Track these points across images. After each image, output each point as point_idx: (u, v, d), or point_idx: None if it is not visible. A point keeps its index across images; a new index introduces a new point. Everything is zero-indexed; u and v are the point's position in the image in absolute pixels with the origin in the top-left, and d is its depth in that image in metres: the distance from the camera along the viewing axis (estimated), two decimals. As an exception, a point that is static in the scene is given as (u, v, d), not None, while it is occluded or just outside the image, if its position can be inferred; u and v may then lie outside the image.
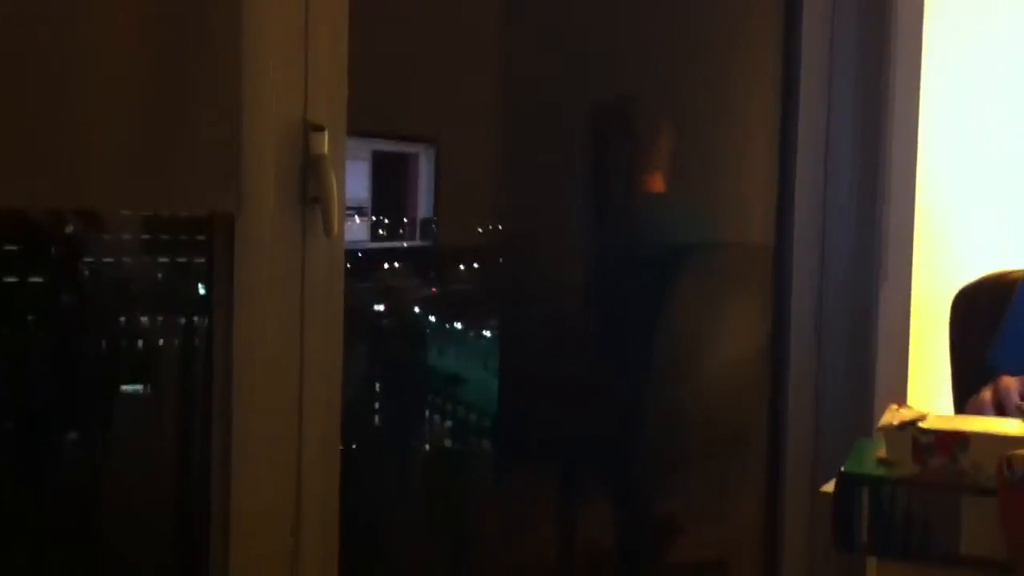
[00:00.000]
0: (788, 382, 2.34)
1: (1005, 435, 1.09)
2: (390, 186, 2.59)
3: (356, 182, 2.52)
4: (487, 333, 2.95)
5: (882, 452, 1.15)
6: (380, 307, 2.76)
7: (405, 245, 2.66)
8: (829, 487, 1.20)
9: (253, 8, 1.77)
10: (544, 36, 2.75)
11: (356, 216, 2.53)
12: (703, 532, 2.64)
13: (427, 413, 3.00)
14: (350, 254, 2.54)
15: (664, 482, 2.68)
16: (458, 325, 2.93)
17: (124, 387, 2.53)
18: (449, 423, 3.01)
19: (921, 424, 1.12)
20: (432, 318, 2.91)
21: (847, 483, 1.13)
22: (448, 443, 3.02)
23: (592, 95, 2.65)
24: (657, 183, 2.59)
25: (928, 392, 2.15)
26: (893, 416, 1.15)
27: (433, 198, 2.68)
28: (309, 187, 1.84)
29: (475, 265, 2.85)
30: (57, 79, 1.64)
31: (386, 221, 2.60)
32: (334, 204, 1.83)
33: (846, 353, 2.28)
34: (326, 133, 1.84)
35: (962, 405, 1.62)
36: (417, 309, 2.88)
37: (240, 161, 1.76)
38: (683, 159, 2.56)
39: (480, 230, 2.84)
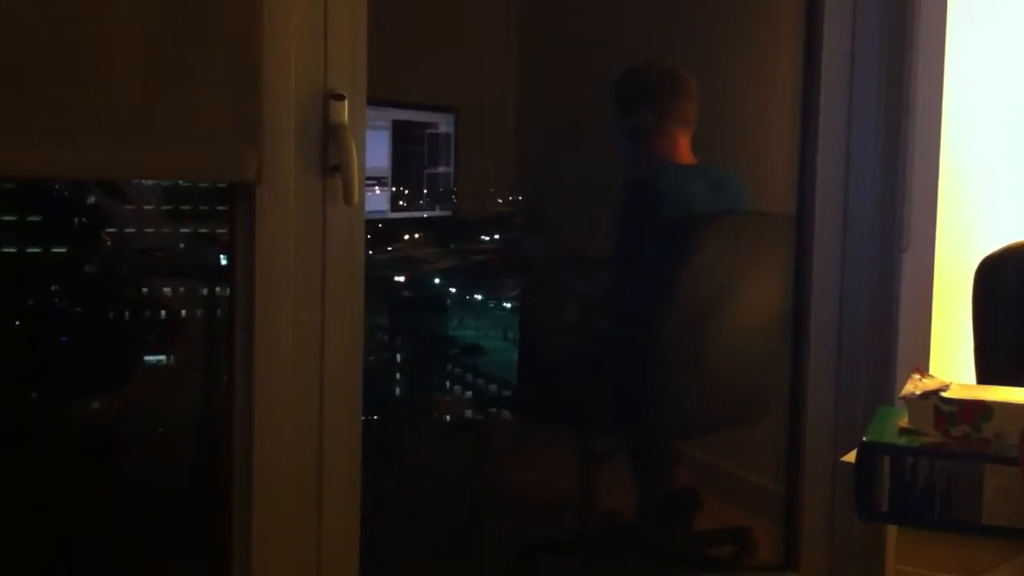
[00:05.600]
0: (809, 350, 2.33)
1: (1029, 405, 1.09)
2: (410, 155, 2.59)
3: (376, 152, 2.52)
4: (507, 305, 2.96)
5: (904, 421, 1.14)
6: (400, 278, 2.77)
7: (425, 215, 2.66)
8: (850, 456, 1.19)
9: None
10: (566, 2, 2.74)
11: (376, 186, 2.54)
12: (725, 497, 2.65)
13: (447, 382, 3.01)
14: (370, 224, 2.56)
15: (688, 448, 2.69)
16: (478, 296, 2.93)
17: (146, 356, 2.55)
18: (469, 392, 3.02)
19: (944, 394, 1.12)
20: (452, 289, 2.91)
21: (869, 452, 1.13)
22: (468, 412, 3.03)
23: (616, 60, 2.64)
24: (683, 149, 2.58)
25: (950, 362, 2.14)
26: (915, 385, 1.15)
27: (453, 167, 2.68)
28: (329, 156, 1.84)
29: (496, 236, 2.85)
30: (75, 52, 1.64)
31: (406, 191, 2.60)
32: (354, 172, 1.82)
33: (868, 321, 2.27)
34: (346, 102, 1.84)
35: (985, 375, 1.61)
36: (437, 280, 2.88)
37: (260, 131, 1.76)
38: (707, 126, 2.55)
39: (500, 200, 2.84)
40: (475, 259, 2.87)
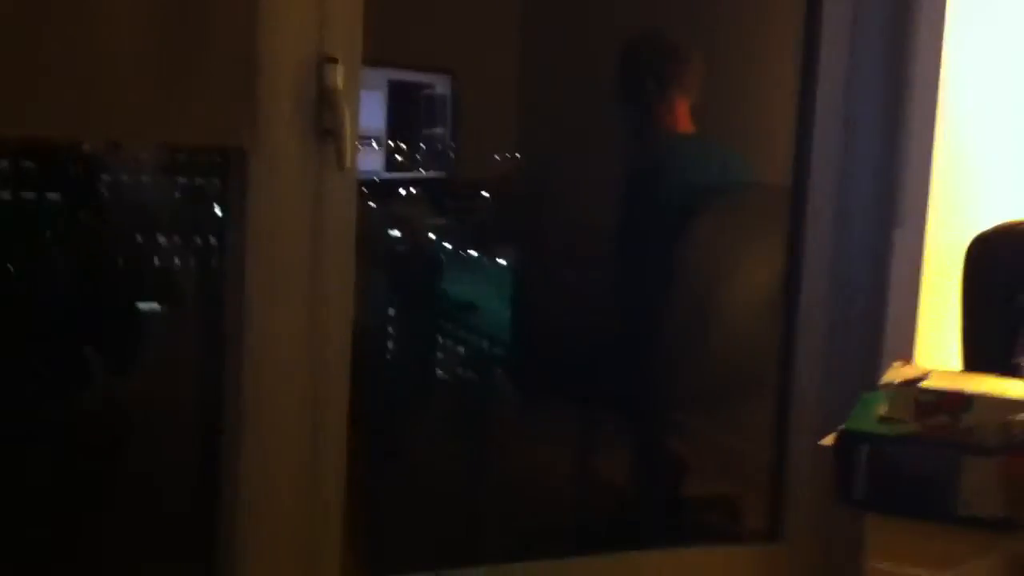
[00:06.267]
0: (799, 323, 2.34)
1: (1008, 398, 1.09)
2: (406, 116, 2.58)
3: (372, 112, 2.52)
4: (503, 261, 2.95)
5: (884, 409, 1.15)
6: (396, 232, 2.76)
7: (422, 173, 2.66)
8: (828, 440, 1.20)
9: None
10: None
11: (373, 142, 2.53)
12: (713, 468, 2.66)
13: (440, 339, 3.01)
14: (366, 184, 2.55)
15: (678, 418, 2.70)
16: (473, 253, 2.93)
17: (140, 304, 2.55)
18: (462, 349, 3.02)
19: (924, 383, 1.12)
20: (448, 245, 2.91)
21: (848, 439, 1.14)
22: (461, 371, 3.04)
23: (616, 23, 2.62)
24: (682, 118, 2.57)
25: (938, 343, 2.14)
26: (896, 373, 1.15)
27: (450, 128, 2.67)
28: (323, 120, 1.83)
29: (489, 196, 2.85)
30: (72, 9, 1.63)
31: (402, 150, 2.60)
32: (347, 137, 1.82)
33: (859, 298, 2.27)
34: (340, 66, 1.83)
35: (973, 356, 1.61)
36: (432, 236, 2.88)
37: (254, 95, 1.76)
38: (707, 96, 2.54)
39: (498, 157, 2.82)
40: (472, 219, 2.87)
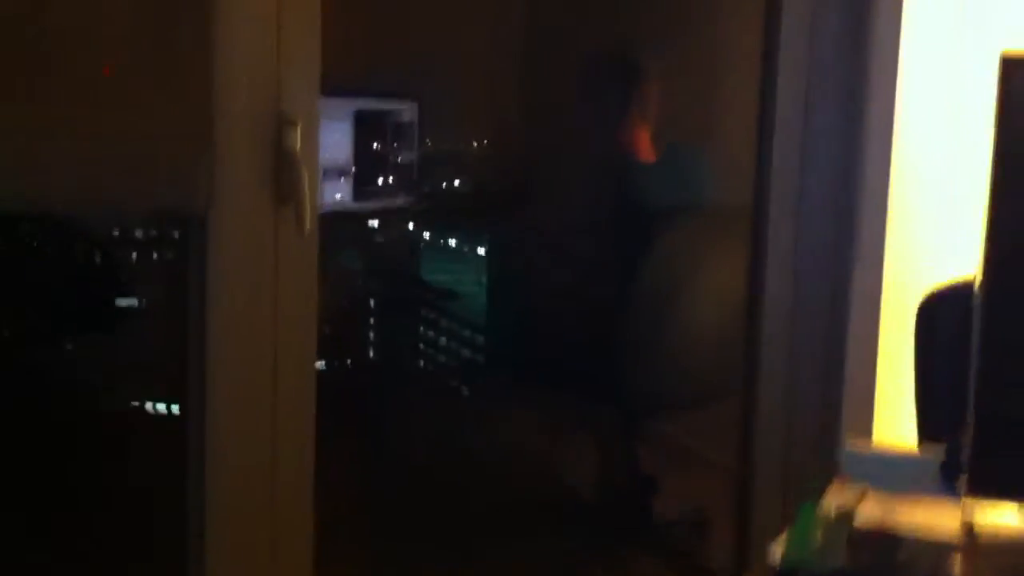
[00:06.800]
0: (762, 347, 2.37)
1: (935, 540, 1.12)
2: (373, 145, 2.58)
3: (338, 143, 2.52)
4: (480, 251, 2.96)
5: (820, 538, 1.17)
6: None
7: (393, 203, 2.66)
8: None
9: (225, 4, 1.75)
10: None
11: (340, 173, 2.54)
12: (681, 488, 2.70)
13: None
14: (334, 215, 2.56)
15: (646, 434, 2.74)
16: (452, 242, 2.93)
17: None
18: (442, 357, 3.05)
19: (857, 520, 1.14)
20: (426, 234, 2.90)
21: (785, 572, 1.16)
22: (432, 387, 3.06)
23: (580, 49, 2.63)
24: (644, 140, 2.59)
25: (898, 383, 2.17)
26: (836, 496, 1.18)
27: (418, 154, 2.67)
28: (282, 184, 1.83)
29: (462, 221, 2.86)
30: (19, 75, 1.63)
31: (370, 179, 2.60)
32: (306, 201, 1.83)
33: (819, 330, 2.31)
34: (299, 129, 1.83)
35: (924, 429, 1.63)
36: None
37: (211, 161, 1.76)
38: (672, 120, 2.55)
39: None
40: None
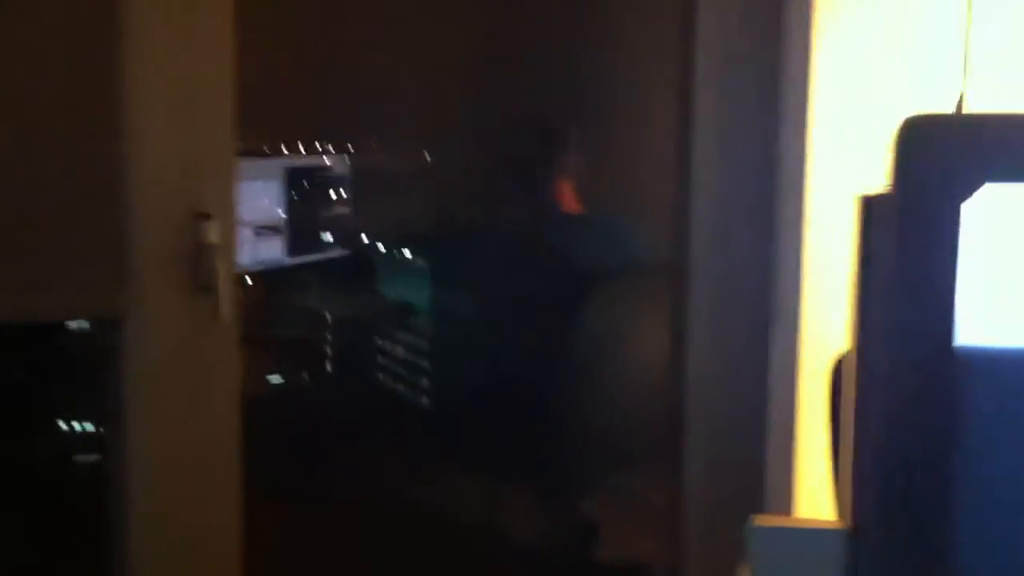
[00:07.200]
0: (686, 406, 2.40)
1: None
2: (305, 200, 2.61)
3: (270, 201, 2.56)
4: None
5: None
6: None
7: (326, 254, 2.70)
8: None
9: (135, 98, 1.78)
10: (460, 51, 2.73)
11: (273, 231, 2.57)
12: (622, 533, 2.74)
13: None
14: (268, 273, 2.60)
15: (582, 488, 2.78)
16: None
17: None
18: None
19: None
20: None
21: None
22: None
23: (503, 105, 2.66)
24: (569, 198, 2.62)
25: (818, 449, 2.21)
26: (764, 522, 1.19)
27: (351, 207, 2.71)
28: (199, 276, 1.87)
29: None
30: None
31: (304, 234, 2.64)
32: (224, 293, 1.86)
33: (742, 384, 2.35)
34: (214, 221, 1.86)
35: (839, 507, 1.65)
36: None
37: (126, 260, 1.79)
38: (596, 177, 2.59)
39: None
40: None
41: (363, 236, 2.74)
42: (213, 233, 1.86)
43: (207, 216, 1.86)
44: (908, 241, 0.80)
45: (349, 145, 2.64)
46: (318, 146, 2.62)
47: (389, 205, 2.74)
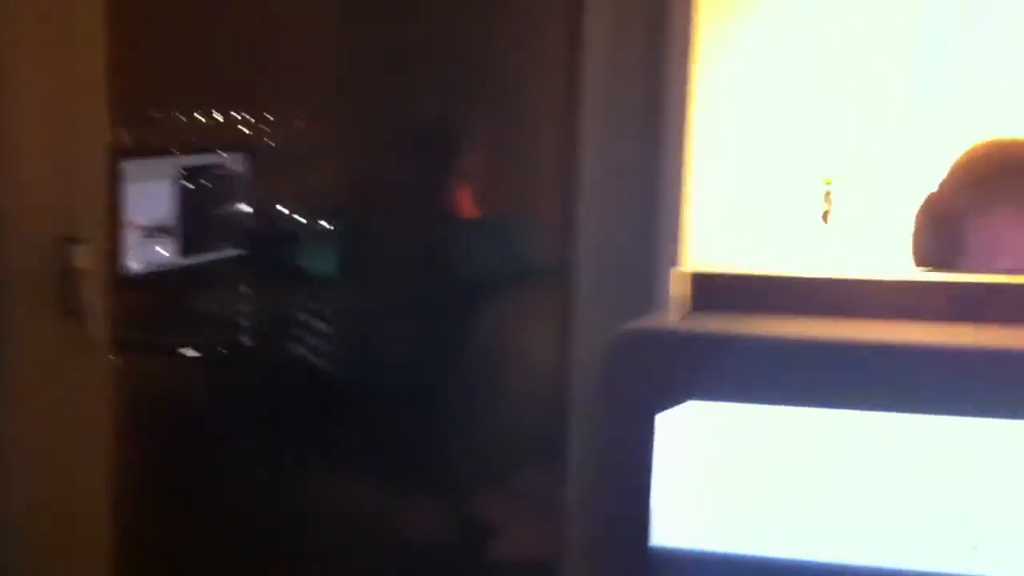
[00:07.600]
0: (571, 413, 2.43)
1: None
2: (199, 199, 2.60)
3: (162, 201, 2.55)
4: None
5: None
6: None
7: (221, 253, 2.68)
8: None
9: (7, 122, 1.78)
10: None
11: (166, 232, 2.57)
12: (520, 533, 2.76)
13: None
14: (164, 273, 2.59)
15: (477, 488, 2.79)
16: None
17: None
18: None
19: None
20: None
21: None
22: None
23: (403, 108, 2.64)
24: (466, 203, 2.63)
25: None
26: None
27: (249, 205, 2.70)
28: (67, 300, 1.87)
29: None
30: None
31: (198, 233, 2.63)
32: (94, 317, 1.87)
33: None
34: (84, 245, 1.87)
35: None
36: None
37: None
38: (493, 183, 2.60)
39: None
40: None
41: (257, 234, 2.73)
42: (83, 257, 1.87)
43: (76, 240, 1.87)
44: (610, 445, 0.84)
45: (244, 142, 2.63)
46: (216, 115, 2.58)
47: (286, 198, 2.73)
